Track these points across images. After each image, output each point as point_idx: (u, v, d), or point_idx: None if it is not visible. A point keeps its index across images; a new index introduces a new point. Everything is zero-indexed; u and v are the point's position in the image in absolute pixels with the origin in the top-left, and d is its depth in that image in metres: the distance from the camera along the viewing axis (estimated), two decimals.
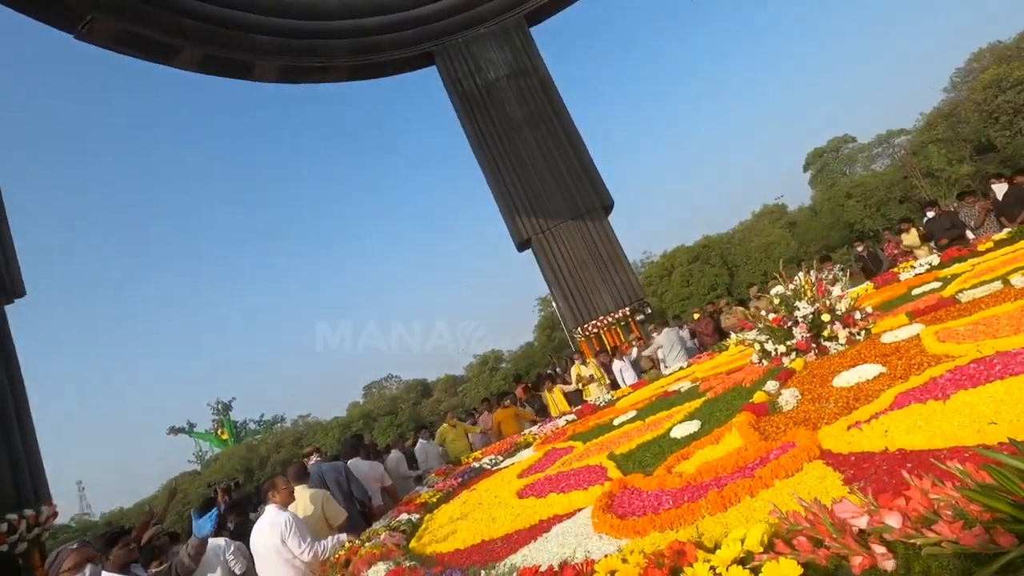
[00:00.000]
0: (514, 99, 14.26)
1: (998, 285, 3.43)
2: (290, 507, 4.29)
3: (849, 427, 2.03)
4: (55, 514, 6.75)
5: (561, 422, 6.52)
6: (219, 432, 52.40)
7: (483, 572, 1.91)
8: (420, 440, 8.52)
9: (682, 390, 5.01)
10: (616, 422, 4.83)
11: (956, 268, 5.18)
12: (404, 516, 4.20)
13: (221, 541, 4.57)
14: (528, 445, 6.16)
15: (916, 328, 3.23)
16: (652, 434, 3.53)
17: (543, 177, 13.86)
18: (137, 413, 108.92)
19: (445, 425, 8.71)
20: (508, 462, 5.55)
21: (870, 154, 40.48)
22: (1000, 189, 7.57)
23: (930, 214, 8.35)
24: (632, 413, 4.90)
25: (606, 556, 1.64)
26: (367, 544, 3.48)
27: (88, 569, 2.73)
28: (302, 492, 4.74)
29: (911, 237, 8.83)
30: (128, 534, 4.10)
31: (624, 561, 1.53)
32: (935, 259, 6.20)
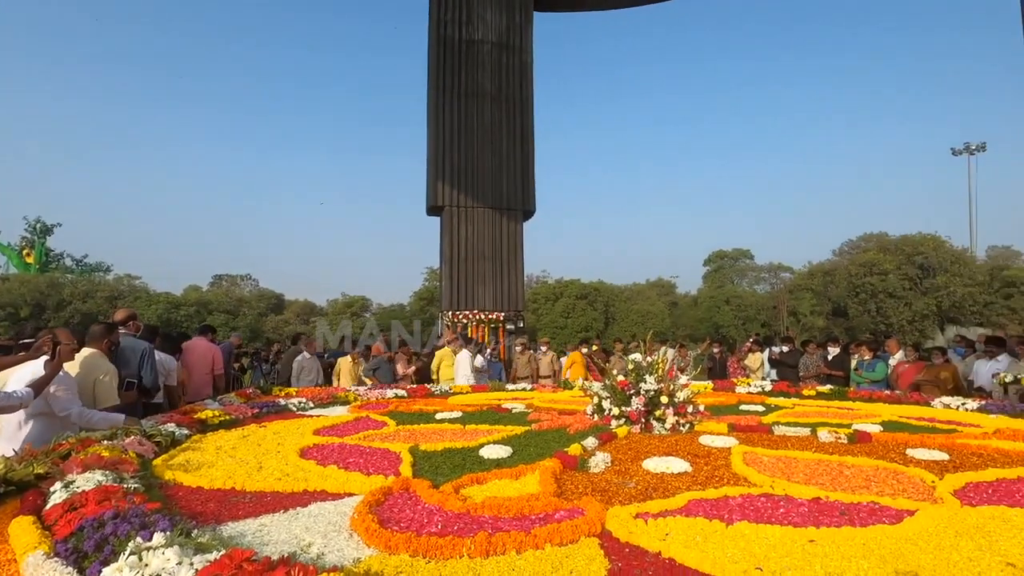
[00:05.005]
0: (490, 69, 13.80)
1: (806, 432, 3.73)
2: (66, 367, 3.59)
3: (637, 515, 2.00)
4: None
5: (389, 394, 6.25)
6: (25, 253, 45.19)
7: (196, 531, 1.59)
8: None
9: (513, 411, 4.97)
10: (438, 416, 4.67)
11: (780, 401, 5.69)
12: (170, 427, 3.68)
13: None
14: (346, 403, 5.82)
15: (731, 441, 3.40)
16: (463, 443, 3.39)
17: (483, 156, 13.54)
18: None
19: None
20: (316, 412, 5.17)
21: (758, 275, 45.02)
22: (833, 351, 8.84)
23: (784, 348, 9.34)
24: (458, 414, 4.77)
25: (334, 569, 1.41)
26: (105, 442, 2.96)
27: None
28: (97, 358, 4.01)
29: (755, 359, 9.75)
30: None
31: None
32: (768, 385, 6.83)
